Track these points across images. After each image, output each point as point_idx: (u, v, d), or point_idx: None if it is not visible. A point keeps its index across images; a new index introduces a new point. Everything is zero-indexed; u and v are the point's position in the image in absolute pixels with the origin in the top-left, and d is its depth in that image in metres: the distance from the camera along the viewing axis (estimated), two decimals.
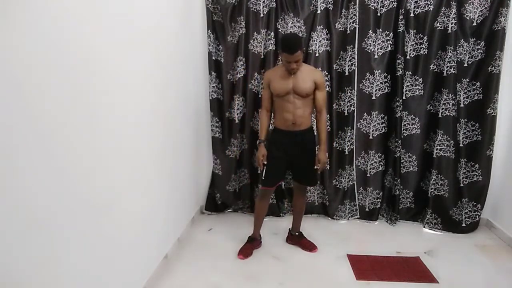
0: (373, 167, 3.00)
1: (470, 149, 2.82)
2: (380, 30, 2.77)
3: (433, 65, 2.79)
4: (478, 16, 2.65)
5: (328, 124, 2.95)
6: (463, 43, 2.71)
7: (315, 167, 2.38)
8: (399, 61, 2.74)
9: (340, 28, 2.81)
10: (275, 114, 2.39)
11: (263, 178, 2.39)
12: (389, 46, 2.79)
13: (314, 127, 2.44)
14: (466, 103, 2.79)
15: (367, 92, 2.88)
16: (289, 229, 2.68)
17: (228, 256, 2.46)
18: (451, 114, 2.75)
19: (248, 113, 2.96)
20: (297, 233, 2.63)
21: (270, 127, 2.47)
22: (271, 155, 2.35)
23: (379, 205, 3.04)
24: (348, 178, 3.02)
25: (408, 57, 2.79)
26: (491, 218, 2.92)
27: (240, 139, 3.02)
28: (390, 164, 2.95)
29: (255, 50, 2.84)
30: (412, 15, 2.72)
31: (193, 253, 2.50)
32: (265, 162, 2.32)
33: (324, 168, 2.52)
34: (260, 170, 2.41)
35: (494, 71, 2.66)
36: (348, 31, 2.79)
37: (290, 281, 2.19)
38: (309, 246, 2.55)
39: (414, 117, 2.89)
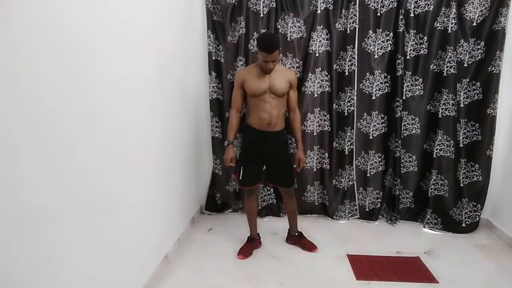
0: (373, 167, 3.00)
1: (470, 149, 2.82)
2: (380, 30, 2.77)
3: (433, 65, 2.79)
4: (478, 16, 2.65)
5: (328, 123, 2.95)
6: (463, 43, 2.71)
7: (294, 166, 2.40)
8: (399, 61, 2.74)
9: (340, 28, 2.81)
10: (249, 114, 2.38)
11: (240, 178, 2.40)
12: (389, 46, 2.79)
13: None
14: (466, 103, 2.79)
15: (367, 92, 2.88)
16: (289, 229, 2.68)
17: (228, 256, 2.46)
18: (451, 114, 2.75)
19: None
20: (296, 233, 2.63)
21: (244, 126, 2.48)
22: (247, 154, 2.37)
23: (379, 205, 3.04)
24: (348, 178, 3.02)
25: (408, 57, 2.79)
26: (491, 218, 2.92)
27: (240, 139, 3.02)
28: (390, 164, 2.95)
29: (255, 50, 2.84)
30: (412, 15, 2.72)
31: (193, 253, 2.50)
32: (233, 164, 2.33)
33: (303, 167, 2.49)
34: (241, 171, 2.39)
35: (494, 71, 2.66)
36: (348, 31, 2.79)
37: (290, 281, 2.19)
38: (309, 246, 2.55)
39: (414, 117, 2.89)
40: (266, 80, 2.23)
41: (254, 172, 2.42)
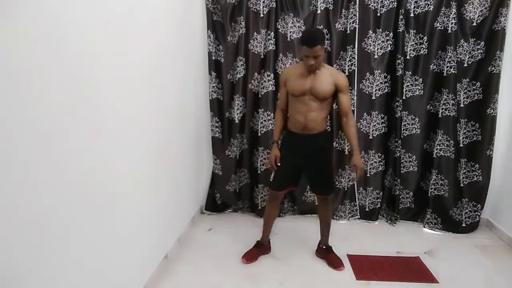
0: (373, 167, 3.00)
1: (470, 149, 2.82)
2: (380, 30, 2.77)
3: (433, 65, 2.79)
4: (478, 16, 2.65)
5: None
6: (463, 43, 2.71)
7: (353, 177, 2.24)
8: (399, 61, 2.74)
9: (340, 28, 2.81)
10: (288, 115, 2.27)
11: (271, 180, 2.30)
12: (389, 46, 2.79)
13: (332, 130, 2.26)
14: (466, 103, 2.79)
15: (367, 92, 2.88)
16: (319, 241, 2.50)
17: (228, 256, 2.46)
18: (451, 114, 2.75)
19: (248, 113, 2.96)
20: (324, 246, 2.45)
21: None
22: (281, 157, 2.25)
23: (379, 205, 3.04)
24: (348, 178, 3.02)
25: (408, 57, 2.79)
26: (491, 218, 2.92)
27: (240, 139, 3.02)
28: (390, 164, 2.95)
29: (255, 50, 2.84)
30: (412, 15, 2.72)
31: (193, 253, 2.50)
32: (279, 164, 2.21)
33: (361, 174, 2.21)
34: (272, 172, 2.30)
35: (494, 71, 2.66)
36: (348, 31, 2.79)
37: (290, 281, 2.19)
38: (334, 263, 2.34)
39: (414, 117, 2.89)
40: (308, 80, 2.09)
41: (285, 176, 2.27)
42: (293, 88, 2.13)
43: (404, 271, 2.30)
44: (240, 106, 2.94)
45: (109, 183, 1.55)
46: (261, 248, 2.47)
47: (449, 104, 2.74)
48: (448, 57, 2.69)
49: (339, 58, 2.86)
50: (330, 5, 2.77)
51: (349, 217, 3.07)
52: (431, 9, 2.69)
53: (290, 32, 2.82)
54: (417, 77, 2.82)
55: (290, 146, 2.24)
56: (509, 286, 2.18)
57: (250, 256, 2.41)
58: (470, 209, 2.84)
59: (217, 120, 2.99)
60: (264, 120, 2.91)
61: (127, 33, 1.67)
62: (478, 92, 2.74)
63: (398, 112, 2.81)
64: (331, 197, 2.36)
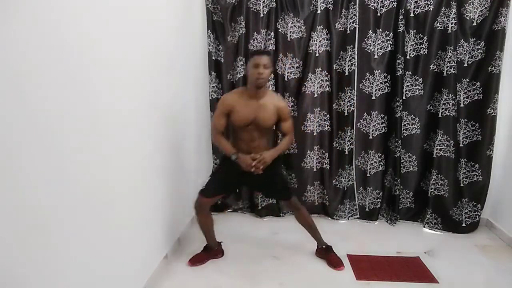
0: (373, 167, 3.00)
1: (470, 149, 2.82)
2: (380, 30, 2.77)
3: (433, 65, 2.79)
4: (478, 16, 2.65)
5: (328, 123, 2.96)
6: (463, 43, 2.71)
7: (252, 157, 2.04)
8: (399, 61, 2.74)
9: (340, 28, 2.81)
10: (230, 137, 2.21)
11: (203, 187, 2.23)
12: (389, 46, 2.79)
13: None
14: (466, 103, 2.79)
15: (367, 92, 2.88)
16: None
17: (228, 256, 2.46)
18: (451, 114, 2.75)
19: None
20: (323, 246, 2.43)
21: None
22: (221, 169, 2.26)
23: (379, 205, 3.04)
24: (348, 178, 3.02)
25: (408, 57, 2.79)
26: (491, 218, 2.92)
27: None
28: (390, 164, 2.95)
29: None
30: (412, 15, 2.72)
31: (193, 253, 2.50)
32: (260, 167, 2.03)
33: (256, 168, 2.01)
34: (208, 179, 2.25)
35: (494, 71, 2.66)
36: (348, 31, 2.79)
37: (290, 281, 2.19)
38: (334, 263, 2.33)
39: (414, 117, 2.89)
40: (252, 111, 2.04)
41: (220, 185, 2.24)
42: (238, 119, 2.06)
43: (404, 271, 2.30)
44: None
45: (109, 184, 1.55)
46: (210, 252, 2.41)
47: (449, 104, 2.74)
48: (448, 57, 2.69)
49: (339, 58, 2.86)
50: (330, 5, 2.77)
51: (349, 217, 3.07)
52: (431, 9, 2.69)
53: (290, 32, 2.82)
54: (417, 77, 2.82)
55: (234, 167, 2.07)
56: (509, 286, 2.18)
57: (197, 259, 2.35)
58: (470, 209, 2.84)
59: None
60: None
61: (127, 33, 1.67)
62: (478, 92, 2.74)
63: (398, 112, 2.81)
64: (295, 200, 2.33)
